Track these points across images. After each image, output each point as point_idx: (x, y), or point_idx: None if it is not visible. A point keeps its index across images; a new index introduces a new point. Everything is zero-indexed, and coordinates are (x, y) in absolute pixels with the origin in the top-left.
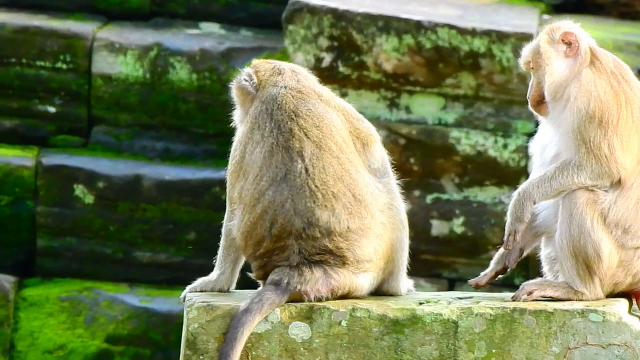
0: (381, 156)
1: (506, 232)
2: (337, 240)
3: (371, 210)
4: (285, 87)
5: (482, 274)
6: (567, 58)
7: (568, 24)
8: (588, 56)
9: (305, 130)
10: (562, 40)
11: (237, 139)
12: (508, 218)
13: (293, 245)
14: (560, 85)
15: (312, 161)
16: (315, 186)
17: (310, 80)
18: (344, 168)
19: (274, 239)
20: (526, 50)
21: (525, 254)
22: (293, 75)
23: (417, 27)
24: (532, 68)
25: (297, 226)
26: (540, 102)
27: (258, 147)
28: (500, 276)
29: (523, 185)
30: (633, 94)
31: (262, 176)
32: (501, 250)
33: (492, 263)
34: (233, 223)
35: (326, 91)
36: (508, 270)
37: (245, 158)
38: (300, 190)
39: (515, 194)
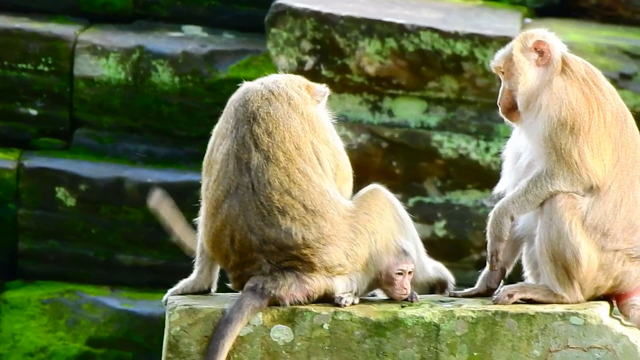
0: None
1: (488, 254)
2: (299, 249)
3: (330, 218)
4: (261, 83)
5: (466, 290)
6: (538, 67)
7: (542, 32)
8: (559, 65)
9: (255, 138)
10: (535, 48)
11: (215, 126)
12: (488, 239)
13: (260, 257)
14: (532, 95)
15: (257, 175)
16: (261, 203)
17: (292, 84)
18: (292, 179)
19: (238, 254)
20: (498, 56)
21: (508, 272)
22: (277, 76)
23: (400, 30)
24: (503, 73)
25: (254, 242)
26: (511, 109)
27: (222, 145)
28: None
29: (498, 204)
30: (605, 99)
31: (219, 183)
32: (485, 270)
33: (478, 282)
34: (200, 221)
35: (300, 98)
36: (494, 291)
37: (213, 152)
38: (249, 206)
39: (491, 213)
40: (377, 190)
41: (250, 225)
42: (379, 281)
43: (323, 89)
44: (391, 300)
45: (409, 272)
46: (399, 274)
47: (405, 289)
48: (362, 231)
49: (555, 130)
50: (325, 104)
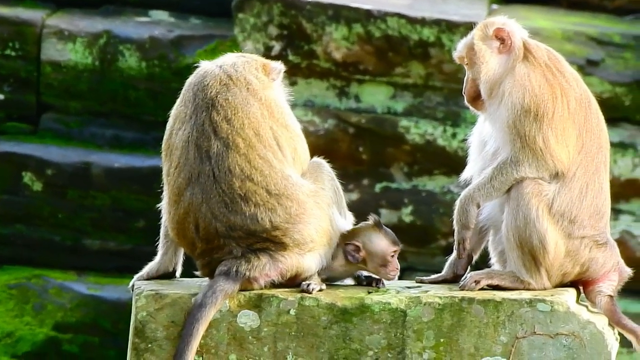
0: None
1: (455, 242)
2: (268, 232)
3: (296, 198)
4: (220, 66)
5: (433, 276)
6: (500, 54)
7: (502, 19)
8: (521, 51)
9: (214, 126)
10: (495, 36)
11: (173, 108)
12: (455, 227)
13: (229, 243)
14: (495, 83)
15: (217, 163)
16: (223, 191)
17: (250, 67)
18: (253, 166)
19: (204, 241)
20: (460, 46)
21: (475, 259)
22: (235, 58)
23: (367, 16)
24: (467, 64)
25: (220, 229)
26: (476, 98)
27: (181, 130)
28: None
29: (464, 192)
30: (568, 85)
31: (180, 170)
32: (452, 256)
33: (445, 268)
34: (163, 206)
35: (258, 82)
36: (460, 277)
37: (172, 136)
38: (211, 194)
39: (457, 201)
40: (323, 165)
41: (214, 213)
42: (372, 263)
43: (279, 66)
44: (357, 285)
45: (398, 253)
46: (393, 255)
47: (397, 269)
48: (323, 206)
49: (519, 117)
50: (282, 81)
